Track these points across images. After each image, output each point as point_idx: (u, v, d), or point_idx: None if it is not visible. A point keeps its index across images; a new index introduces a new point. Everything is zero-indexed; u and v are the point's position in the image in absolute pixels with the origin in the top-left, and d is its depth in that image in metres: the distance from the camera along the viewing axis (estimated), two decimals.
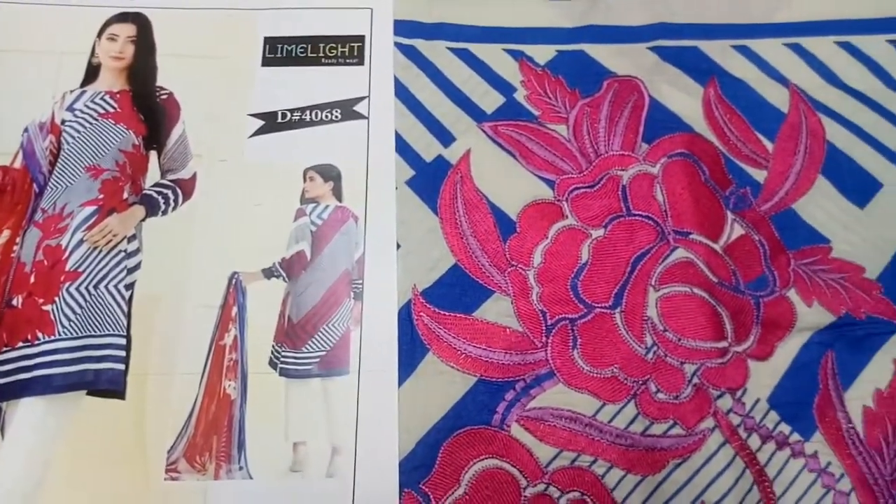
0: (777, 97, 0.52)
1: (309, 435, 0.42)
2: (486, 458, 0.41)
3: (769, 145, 0.50)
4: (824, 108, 0.52)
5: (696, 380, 0.42)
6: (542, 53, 0.53)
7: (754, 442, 0.41)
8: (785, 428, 0.42)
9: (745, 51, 0.53)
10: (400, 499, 0.40)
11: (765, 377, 0.43)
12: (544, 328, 0.44)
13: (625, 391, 0.43)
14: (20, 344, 0.42)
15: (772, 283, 0.46)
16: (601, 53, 0.53)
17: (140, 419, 0.41)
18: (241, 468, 0.40)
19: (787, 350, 0.44)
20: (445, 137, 0.50)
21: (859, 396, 0.43)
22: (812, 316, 0.45)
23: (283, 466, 0.41)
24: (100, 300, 0.43)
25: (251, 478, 0.40)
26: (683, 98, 0.51)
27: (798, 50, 0.54)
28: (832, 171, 0.50)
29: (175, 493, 0.40)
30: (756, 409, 0.42)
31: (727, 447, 0.41)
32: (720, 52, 0.53)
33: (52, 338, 0.42)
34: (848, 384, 0.44)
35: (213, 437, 0.41)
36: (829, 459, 0.42)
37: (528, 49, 0.54)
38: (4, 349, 0.42)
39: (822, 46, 0.54)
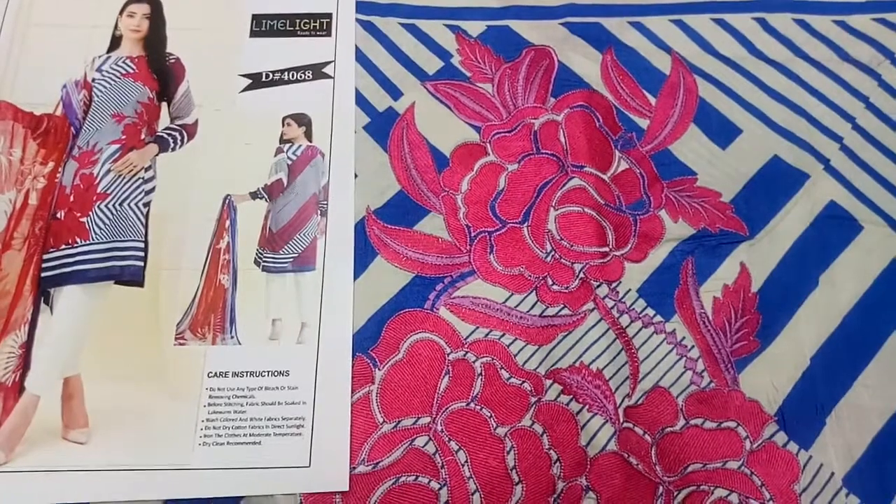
0: (661, 62, 0.60)
1: (284, 313, 0.50)
2: (420, 332, 0.50)
3: (653, 100, 0.58)
4: (699, 71, 0.59)
5: (582, 275, 0.52)
6: (475, 28, 0.61)
7: (625, 320, 0.51)
8: (650, 311, 0.51)
9: (638, 26, 0.61)
10: (353, 360, 0.49)
11: (636, 274, 0.52)
12: (468, 238, 0.53)
13: (528, 284, 0.52)
14: (63, 246, 0.50)
15: (647, 205, 0.55)
16: (522, 28, 0.61)
17: (155, 302, 0.50)
18: (232, 337, 0.49)
19: (657, 255, 0.53)
20: (395, 93, 0.58)
21: (711, 290, 0.52)
22: (677, 230, 0.54)
23: (264, 336, 0.49)
24: (124, 214, 0.51)
25: (240, 344, 0.49)
26: (585, 62, 0.59)
27: (680, 25, 0.61)
28: (702, 120, 0.58)
29: (182, 354, 0.48)
30: (627, 297, 0.51)
31: (602, 323, 0.50)
32: (618, 26, 0.61)
33: (88, 242, 0.50)
34: (703, 281, 0.52)
35: (211, 314, 0.50)
36: (683, 335, 0.50)
37: (463, 24, 0.61)
38: (51, 250, 0.50)
39: (700, 22, 0.61)
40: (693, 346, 0.50)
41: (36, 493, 0.44)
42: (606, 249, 0.53)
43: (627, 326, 0.51)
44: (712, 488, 0.46)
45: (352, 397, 0.48)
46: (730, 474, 0.47)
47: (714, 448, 0.48)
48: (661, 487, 0.46)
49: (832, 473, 0.47)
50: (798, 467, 0.47)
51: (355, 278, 0.52)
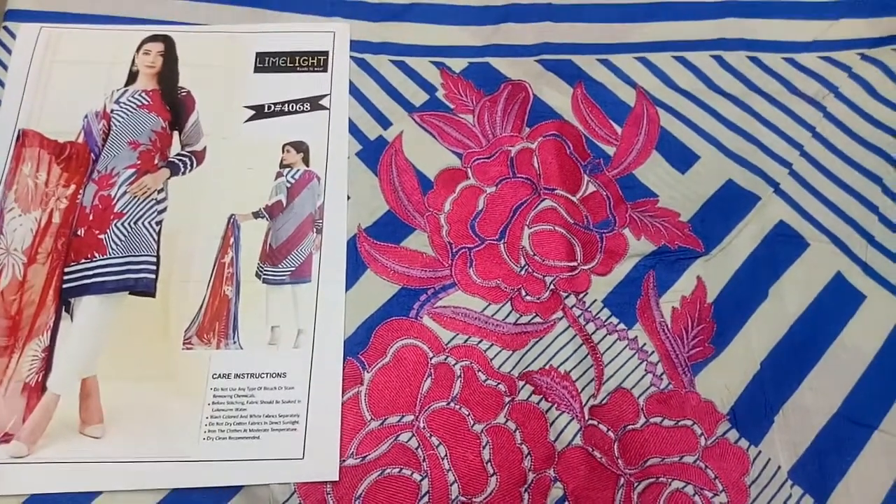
0: (627, 95, 0.63)
1: (282, 321, 0.53)
2: (405, 339, 0.53)
3: (619, 129, 0.62)
4: (661, 103, 0.63)
5: (552, 287, 0.56)
6: (458, 64, 0.64)
7: (591, 328, 0.54)
8: (614, 320, 0.54)
9: (606, 62, 0.65)
10: (344, 363, 0.52)
11: (602, 286, 0.56)
12: (450, 254, 0.57)
13: (504, 295, 0.55)
14: (83, 260, 0.54)
15: (613, 224, 0.58)
16: (500, 64, 0.64)
17: (166, 310, 0.53)
18: (234, 342, 0.52)
19: (622, 269, 0.56)
20: (385, 123, 0.61)
21: (670, 301, 0.55)
22: (640, 246, 0.57)
23: (264, 341, 0.52)
24: (138, 232, 0.55)
25: (242, 348, 0.52)
26: (558, 96, 0.63)
27: (644, 62, 0.65)
28: (663, 148, 0.61)
29: (189, 358, 0.52)
30: (593, 307, 0.55)
31: (570, 330, 0.54)
32: (588, 63, 0.65)
33: (105, 257, 0.54)
34: (663, 293, 0.55)
35: (216, 322, 0.53)
36: (644, 342, 0.54)
37: (448, 61, 0.64)
38: (72, 263, 0.53)
39: (662, 59, 0.65)
40: (653, 352, 0.54)
41: (55, 482, 0.48)
42: (575, 264, 0.57)
43: (593, 333, 0.54)
44: (670, 480, 0.50)
45: (342, 397, 0.51)
46: (686, 468, 0.50)
47: (672, 444, 0.51)
48: (622, 479, 0.50)
49: (779, 467, 0.50)
50: (748, 461, 0.50)
51: (347, 289, 0.55)
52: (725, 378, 0.53)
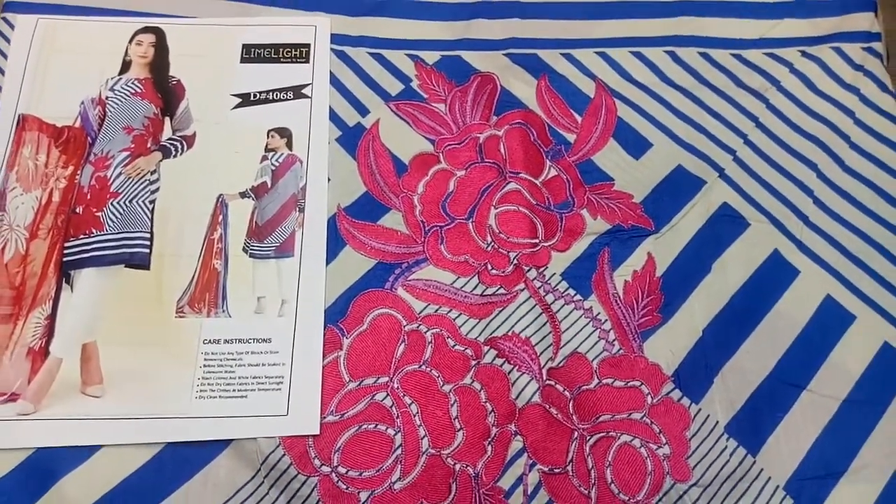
0: (587, 87, 0.68)
1: (267, 292, 0.57)
2: (381, 308, 0.58)
3: (579, 119, 0.66)
4: (618, 95, 0.68)
5: (515, 261, 0.60)
6: (431, 57, 0.68)
7: (550, 298, 0.59)
8: (571, 291, 0.59)
9: (568, 56, 0.70)
10: (324, 330, 0.56)
11: (561, 261, 0.60)
12: (423, 232, 0.61)
13: (472, 269, 0.60)
14: (81, 236, 0.57)
15: (572, 205, 0.63)
16: (471, 57, 0.69)
17: (159, 282, 0.57)
18: (223, 311, 0.56)
19: (579, 246, 0.61)
20: (363, 111, 0.65)
21: (622, 274, 0.60)
22: (596, 225, 0.62)
23: (251, 310, 0.57)
24: (133, 210, 0.58)
25: (230, 316, 0.56)
26: (523, 87, 0.67)
27: (603, 56, 0.70)
28: (620, 136, 0.66)
29: (182, 325, 0.56)
30: (552, 279, 0.60)
31: (531, 300, 0.59)
32: (552, 57, 0.69)
33: (102, 233, 0.57)
34: (616, 267, 0.60)
35: (206, 293, 0.57)
36: (598, 311, 0.58)
37: (422, 53, 0.69)
38: (71, 239, 0.57)
39: (619, 54, 0.70)
40: (606, 320, 0.59)
41: (60, 437, 0.52)
42: (537, 241, 0.62)
43: (552, 303, 0.59)
44: (619, 434, 0.55)
45: (323, 360, 0.55)
46: (634, 423, 0.55)
47: (621, 402, 0.56)
48: (576, 433, 0.55)
49: (717, 422, 0.55)
50: (689, 417, 0.55)
51: (327, 264, 0.59)
52: (671, 344, 0.58)
